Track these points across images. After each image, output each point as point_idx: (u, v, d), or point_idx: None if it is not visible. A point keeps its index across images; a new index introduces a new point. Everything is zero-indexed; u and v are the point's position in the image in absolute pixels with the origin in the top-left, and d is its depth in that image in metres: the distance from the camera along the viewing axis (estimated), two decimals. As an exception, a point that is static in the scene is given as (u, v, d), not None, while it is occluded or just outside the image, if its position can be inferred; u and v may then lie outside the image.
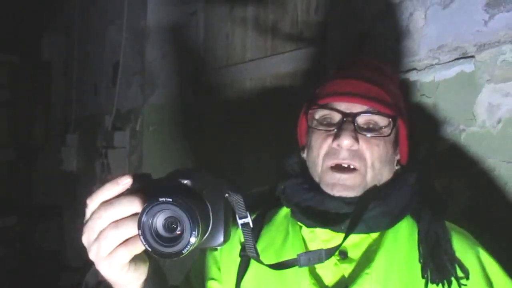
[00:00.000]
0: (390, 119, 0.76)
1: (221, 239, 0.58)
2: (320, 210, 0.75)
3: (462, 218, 0.82)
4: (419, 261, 0.71)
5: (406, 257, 0.72)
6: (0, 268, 3.16)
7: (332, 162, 0.75)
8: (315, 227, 0.77)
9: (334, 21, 1.33)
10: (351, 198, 0.74)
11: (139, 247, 0.54)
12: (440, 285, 0.68)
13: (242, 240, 0.74)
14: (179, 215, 0.51)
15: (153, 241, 0.52)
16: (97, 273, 0.57)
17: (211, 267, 0.84)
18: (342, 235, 0.71)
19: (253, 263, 0.77)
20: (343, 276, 0.73)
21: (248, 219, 0.63)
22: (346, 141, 0.73)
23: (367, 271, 0.71)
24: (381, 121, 0.76)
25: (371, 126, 0.76)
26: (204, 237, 0.56)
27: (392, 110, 0.77)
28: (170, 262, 0.52)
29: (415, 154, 0.87)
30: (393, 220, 0.75)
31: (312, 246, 0.77)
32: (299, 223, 0.80)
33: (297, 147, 0.89)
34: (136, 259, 0.56)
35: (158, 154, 2.12)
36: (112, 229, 0.53)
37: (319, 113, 0.79)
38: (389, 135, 0.76)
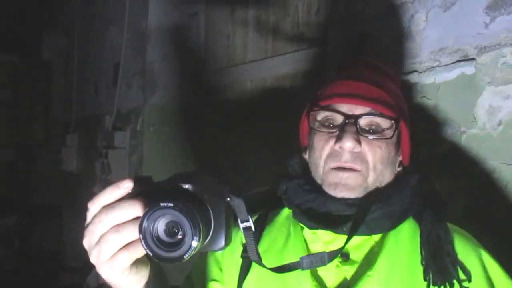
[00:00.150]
0: (393, 121, 0.76)
1: (223, 243, 0.58)
2: (322, 212, 0.75)
3: (462, 220, 0.82)
4: (421, 263, 0.71)
5: (408, 259, 0.72)
6: (0, 268, 3.16)
7: (334, 164, 0.75)
8: (317, 228, 0.77)
9: (334, 23, 1.33)
10: (353, 199, 0.74)
11: (140, 251, 0.54)
12: (442, 287, 0.68)
13: (244, 241, 0.74)
14: (180, 220, 0.51)
15: (155, 246, 0.52)
16: (98, 276, 0.57)
17: (212, 268, 0.84)
18: (344, 237, 0.71)
19: (255, 264, 0.77)
20: (345, 278, 0.73)
21: (250, 223, 0.63)
22: (348, 144, 0.73)
23: (369, 273, 0.71)
24: (384, 123, 0.76)
25: (373, 128, 0.76)
26: (206, 241, 0.56)
27: (395, 112, 0.77)
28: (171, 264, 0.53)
29: (417, 155, 0.87)
30: (395, 222, 0.75)
31: (314, 248, 0.77)
32: (300, 224, 0.80)
33: (298, 148, 0.89)
34: (137, 262, 0.56)
35: (159, 154, 2.12)
36: (113, 233, 0.53)
37: (321, 115, 0.79)
38: (391, 137, 0.76)
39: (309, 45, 1.55)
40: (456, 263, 0.70)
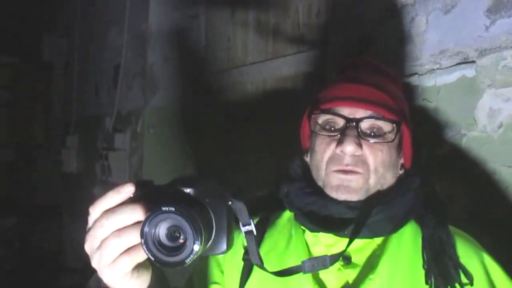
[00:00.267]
0: (394, 125, 0.76)
1: (224, 247, 0.58)
2: (323, 215, 0.75)
3: (462, 222, 0.82)
4: (423, 266, 0.70)
5: (409, 262, 0.72)
6: (0, 268, 3.16)
7: (335, 168, 0.75)
8: (318, 231, 0.77)
9: (335, 25, 1.33)
10: (354, 202, 0.74)
11: (141, 255, 0.54)
12: None
13: (245, 244, 0.74)
14: (181, 224, 0.51)
15: (156, 251, 0.52)
16: (99, 280, 0.57)
17: (214, 270, 0.84)
18: (346, 240, 0.71)
19: (256, 267, 0.77)
20: (347, 282, 0.73)
21: (252, 226, 0.63)
22: (349, 148, 0.73)
23: (370, 276, 0.71)
24: (385, 126, 0.76)
25: (374, 131, 0.76)
26: (207, 245, 0.56)
27: (396, 115, 0.76)
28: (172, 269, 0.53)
29: (418, 158, 0.87)
30: (397, 225, 0.75)
31: (315, 251, 0.77)
32: (302, 226, 0.80)
33: (299, 150, 0.89)
34: (139, 267, 0.56)
35: (159, 156, 2.12)
36: (114, 237, 0.53)
37: (322, 118, 0.79)
38: (392, 140, 0.76)
39: (310, 47, 1.55)
40: (458, 266, 0.70)
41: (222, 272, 0.83)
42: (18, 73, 3.39)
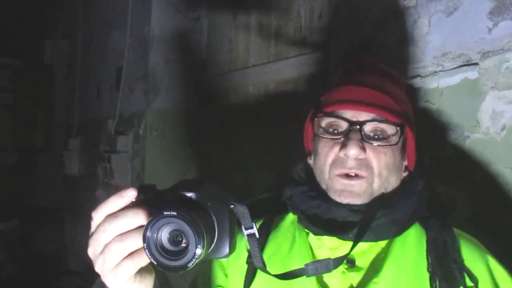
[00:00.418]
0: (398, 127, 0.75)
1: (227, 250, 0.58)
2: (327, 218, 0.75)
3: (465, 224, 0.81)
4: (428, 269, 0.70)
5: (414, 266, 0.72)
6: (1, 271, 3.16)
7: (339, 171, 0.75)
8: (322, 234, 0.76)
9: (337, 27, 1.33)
10: (358, 206, 0.74)
11: (144, 259, 0.54)
12: None
13: (249, 247, 0.73)
14: (184, 228, 0.51)
15: (159, 255, 0.52)
16: (103, 284, 0.57)
17: (217, 274, 0.84)
18: (350, 243, 0.71)
19: (260, 270, 0.77)
20: (351, 285, 0.72)
21: (254, 230, 0.63)
22: (352, 151, 0.73)
23: (375, 279, 0.70)
24: (388, 129, 0.76)
25: (378, 134, 0.75)
26: (210, 249, 0.56)
27: (400, 118, 0.76)
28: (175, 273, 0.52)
29: (421, 160, 0.86)
30: (401, 228, 0.74)
31: (319, 254, 0.77)
32: (306, 229, 0.79)
33: (303, 153, 0.89)
34: (142, 271, 0.56)
35: (161, 158, 2.12)
36: (117, 242, 0.53)
37: (325, 121, 0.78)
38: (396, 143, 0.75)
39: (312, 50, 1.55)
40: (463, 269, 0.69)
41: (226, 275, 0.83)
42: (20, 76, 3.39)
